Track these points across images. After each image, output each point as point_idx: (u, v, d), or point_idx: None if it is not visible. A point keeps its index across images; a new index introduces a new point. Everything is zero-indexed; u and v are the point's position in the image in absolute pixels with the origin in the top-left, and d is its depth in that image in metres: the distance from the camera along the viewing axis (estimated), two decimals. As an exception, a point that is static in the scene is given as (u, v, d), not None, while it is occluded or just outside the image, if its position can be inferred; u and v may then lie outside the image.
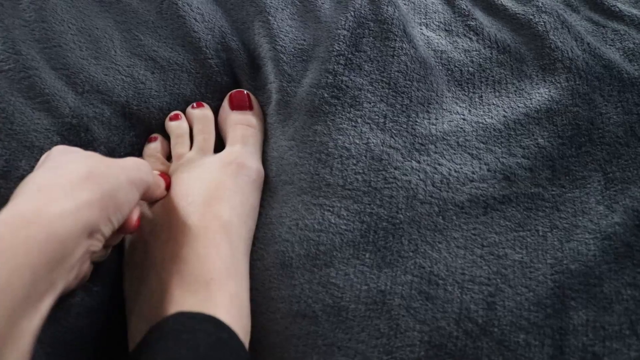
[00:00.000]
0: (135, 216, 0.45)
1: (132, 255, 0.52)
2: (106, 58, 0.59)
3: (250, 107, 0.60)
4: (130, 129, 0.58)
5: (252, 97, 0.61)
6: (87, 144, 0.55)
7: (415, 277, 0.48)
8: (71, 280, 0.39)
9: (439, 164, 0.53)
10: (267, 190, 0.56)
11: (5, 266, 0.32)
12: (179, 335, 0.40)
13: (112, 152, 0.56)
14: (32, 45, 0.57)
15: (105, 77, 0.58)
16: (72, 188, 0.38)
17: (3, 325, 0.32)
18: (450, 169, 0.53)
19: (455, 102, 0.58)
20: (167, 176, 0.55)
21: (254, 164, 0.56)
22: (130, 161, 0.44)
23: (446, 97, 0.59)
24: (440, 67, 0.61)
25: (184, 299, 0.45)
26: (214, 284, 0.46)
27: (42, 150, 0.51)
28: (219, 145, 0.59)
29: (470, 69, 0.61)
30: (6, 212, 0.36)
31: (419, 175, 0.53)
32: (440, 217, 0.51)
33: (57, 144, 0.53)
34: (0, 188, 0.49)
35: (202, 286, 0.45)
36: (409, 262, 0.49)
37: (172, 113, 0.60)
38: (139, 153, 0.59)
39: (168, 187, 0.54)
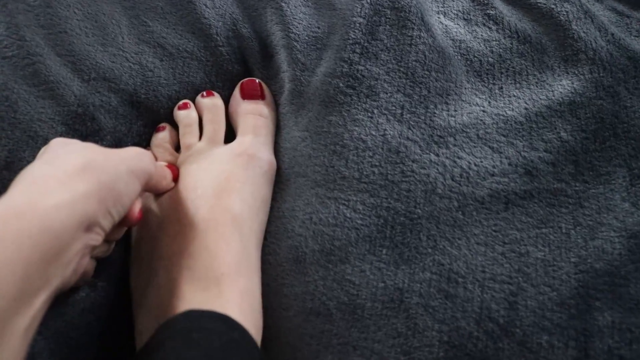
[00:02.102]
0: (137, 208, 0.43)
1: (139, 249, 0.50)
2: (113, 45, 0.57)
3: (262, 97, 0.58)
4: (137, 118, 0.56)
5: (264, 86, 0.59)
6: (93, 134, 0.53)
7: (434, 275, 0.46)
8: (68, 276, 0.37)
9: (459, 157, 0.52)
10: (280, 182, 0.54)
11: None
12: (189, 334, 0.39)
13: (119, 142, 0.55)
14: (37, 30, 0.55)
15: (112, 64, 0.56)
16: (68, 179, 0.37)
17: None
18: (470, 163, 0.51)
19: (475, 94, 0.56)
20: (174, 167, 0.53)
21: (266, 155, 0.54)
22: (131, 151, 0.43)
23: (465, 88, 0.57)
24: (459, 57, 0.59)
25: (194, 296, 0.43)
26: (225, 279, 0.44)
27: (46, 140, 0.49)
28: (229, 135, 0.57)
29: (490, 59, 0.59)
30: None
31: (437, 169, 0.51)
32: (460, 212, 0.49)
33: (61, 133, 0.52)
34: (3, 179, 0.48)
35: (213, 282, 0.44)
36: (428, 258, 0.47)
37: (181, 102, 0.58)
38: (146, 143, 0.57)
39: (175, 178, 0.52)
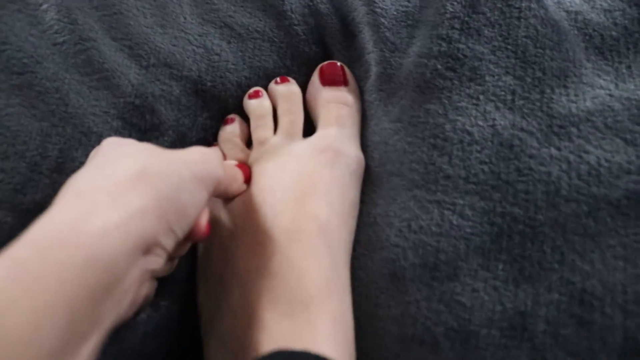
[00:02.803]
0: (204, 221, 0.37)
1: (207, 263, 0.44)
2: (174, 26, 0.52)
3: (345, 82, 0.51)
4: (203, 110, 0.51)
5: (346, 70, 0.52)
6: (152, 128, 0.48)
7: (563, 296, 0.39)
8: (124, 310, 0.31)
9: (585, 152, 0.44)
10: (369, 182, 0.48)
11: (32, 305, 0.25)
12: None
13: (183, 137, 0.50)
14: (90, 13, 0.51)
15: (174, 48, 0.51)
16: (120, 193, 0.30)
17: None
18: (599, 158, 0.43)
19: (598, 75, 0.48)
20: (246, 167, 0.47)
21: (353, 151, 0.47)
22: (195, 152, 0.36)
23: (586, 69, 0.48)
24: (576, 32, 0.51)
25: (278, 325, 0.37)
26: (314, 304, 0.37)
27: (100, 137, 0.46)
28: (307, 128, 0.51)
29: (613, 33, 0.51)
30: (36, 228, 0.28)
31: (560, 166, 0.43)
32: (591, 218, 0.42)
33: (117, 129, 0.47)
34: (54, 183, 0.43)
35: (300, 308, 0.37)
36: (554, 276, 0.40)
37: (252, 90, 0.51)
38: (213, 138, 0.52)
39: (248, 179, 0.46)
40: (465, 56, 0.48)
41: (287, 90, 0.51)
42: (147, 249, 0.31)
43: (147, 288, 0.37)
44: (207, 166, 0.36)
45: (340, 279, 0.41)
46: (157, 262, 0.33)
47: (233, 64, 0.51)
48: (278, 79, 0.52)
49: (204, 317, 0.42)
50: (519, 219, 0.42)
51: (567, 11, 0.52)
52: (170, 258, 0.38)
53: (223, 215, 0.45)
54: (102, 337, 0.29)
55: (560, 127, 0.45)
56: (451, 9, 0.50)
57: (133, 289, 0.31)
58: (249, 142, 0.51)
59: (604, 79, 0.48)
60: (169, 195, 0.32)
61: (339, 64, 0.52)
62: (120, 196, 0.30)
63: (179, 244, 0.36)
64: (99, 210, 0.29)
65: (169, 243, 0.33)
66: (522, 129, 0.45)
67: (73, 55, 0.48)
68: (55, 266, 0.26)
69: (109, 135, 0.45)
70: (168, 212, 0.32)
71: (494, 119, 0.45)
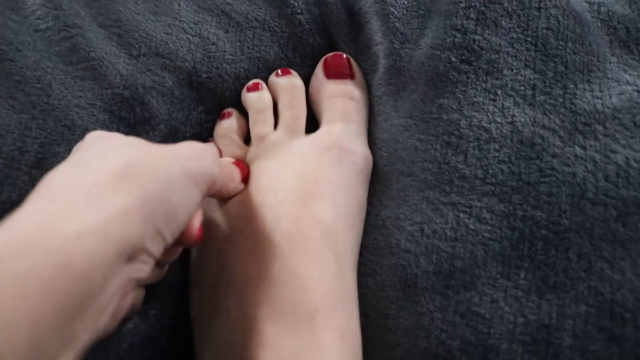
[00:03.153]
0: (196, 224, 0.33)
1: (201, 269, 0.40)
2: (168, 13, 0.49)
3: (351, 75, 0.47)
4: (197, 103, 0.47)
5: (352, 62, 0.49)
6: (142, 122, 0.45)
7: (592, 308, 0.36)
8: (104, 324, 0.28)
9: (612, 151, 0.40)
10: (377, 183, 0.45)
11: None
12: None
13: (175, 132, 0.46)
14: None
15: (167, 36, 0.48)
16: (99, 192, 0.27)
17: None
18: (627, 158, 0.40)
19: (623, 69, 0.45)
20: (244, 164, 0.44)
21: (361, 148, 0.44)
22: (187, 147, 0.33)
23: (610, 63, 0.45)
24: (599, 24, 0.48)
25: (280, 339, 0.33)
26: (320, 317, 0.34)
27: (85, 131, 0.42)
28: (309, 125, 0.48)
29: (639, 25, 0.47)
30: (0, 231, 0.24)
31: (586, 166, 0.40)
32: (620, 223, 0.38)
33: (104, 123, 0.44)
34: (33, 181, 0.40)
35: (303, 321, 0.34)
36: (581, 285, 0.37)
37: (251, 82, 0.48)
38: (208, 133, 0.48)
39: (246, 178, 0.43)
40: (482, 48, 0.44)
41: (289, 83, 0.47)
42: (131, 256, 0.27)
43: (133, 298, 0.33)
44: (200, 163, 0.32)
45: (347, 289, 0.38)
46: (143, 269, 0.29)
47: (231, 55, 0.48)
48: (279, 71, 0.48)
49: (197, 328, 0.39)
50: (541, 223, 0.39)
51: (589, 2, 0.49)
52: (159, 264, 0.35)
53: (218, 217, 0.41)
54: (78, 357, 0.25)
55: (585, 124, 0.41)
56: (465, -2, 0.46)
57: (114, 301, 0.27)
58: (247, 139, 0.48)
59: (630, 74, 0.45)
60: (156, 194, 0.28)
61: (344, 55, 0.49)
62: (100, 196, 0.27)
63: (169, 249, 0.32)
64: (75, 211, 0.25)
65: (157, 248, 0.29)
66: (543, 127, 0.41)
67: (57, 42, 0.45)
68: (16, 278, 0.22)
69: (95, 129, 0.42)
70: (156, 213, 0.28)
71: (513, 115, 0.42)
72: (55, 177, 0.28)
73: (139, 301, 0.36)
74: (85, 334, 0.25)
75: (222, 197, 0.42)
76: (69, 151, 0.39)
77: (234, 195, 0.42)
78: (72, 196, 0.26)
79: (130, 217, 0.26)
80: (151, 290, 0.39)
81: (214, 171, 0.34)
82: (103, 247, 0.25)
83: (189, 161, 0.31)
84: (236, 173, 0.41)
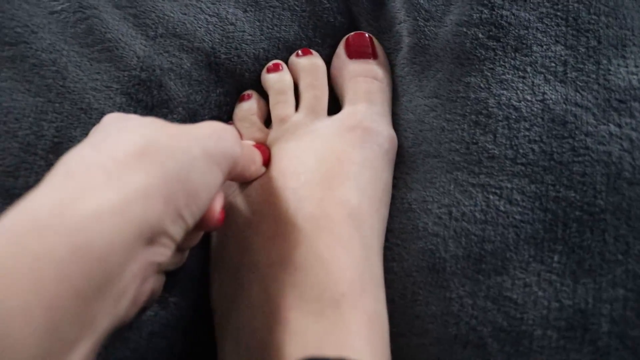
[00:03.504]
0: (218, 206, 0.32)
1: (222, 255, 0.39)
2: None
3: (374, 55, 0.46)
4: (216, 85, 0.46)
5: (375, 41, 0.47)
6: (160, 105, 0.44)
7: (630, 292, 0.35)
8: (124, 310, 0.27)
9: (649, 129, 0.39)
10: (402, 165, 0.43)
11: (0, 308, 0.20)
12: None
13: (194, 115, 0.45)
14: None
15: (184, 17, 0.46)
16: (118, 171, 0.26)
17: None
18: (665, 135, 0.39)
19: (659, 44, 0.43)
20: (265, 147, 0.43)
21: (385, 129, 0.42)
22: (208, 127, 0.32)
23: (645, 37, 0.43)
24: (633, -3, 0.45)
25: (305, 325, 0.32)
26: (346, 302, 0.33)
27: (102, 115, 0.40)
28: (332, 107, 0.46)
29: (674, -2, 0.45)
30: (11, 214, 0.23)
31: (621, 145, 0.38)
32: (659, 204, 0.37)
33: (121, 105, 0.43)
34: (50, 166, 0.38)
35: (329, 306, 0.32)
36: (618, 268, 0.35)
37: (271, 63, 0.47)
38: (228, 116, 0.47)
39: (267, 161, 0.42)
40: (510, 24, 0.43)
41: (310, 63, 0.46)
42: (151, 238, 0.26)
43: (153, 284, 0.32)
44: (221, 142, 0.31)
45: (374, 273, 0.37)
46: (163, 253, 0.28)
47: (250, 35, 0.47)
48: (299, 52, 0.47)
49: (218, 315, 0.38)
50: (575, 204, 0.37)
51: (621, -25, 0.47)
52: (180, 249, 0.34)
53: (239, 201, 0.40)
54: (96, 344, 0.24)
55: (620, 101, 0.40)
56: (492, -28, 0.45)
57: (134, 286, 0.26)
58: (267, 121, 0.47)
59: (666, 49, 0.43)
60: (177, 174, 0.27)
61: (367, 34, 0.47)
62: (119, 174, 0.25)
63: (189, 233, 0.31)
64: (91, 191, 0.24)
65: (178, 231, 0.28)
66: (576, 104, 0.40)
67: (72, 24, 0.44)
68: (31, 259, 0.21)
69: (112, 112, 0.41)
70: (176, 194, 0.27)
71: (543, 93, 0.40)
72: (72, 157, 0.27)
73: (159, 288, 0.35)
74: (104, 319, 0.24)
75: (243, 181, 0.41)
76: (85, 135, 0.38)
77: (255, 179, 0.41)
78: (89, 175, 0.25)
79: (150, 197, 0.25)
80: (171, 277, 0.38)
81: (236, 152, 0.32)
82: (121, 228, 0.24)
83: (209, 141, 0.30)
84: (257, 156, 0.40)
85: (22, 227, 0.22)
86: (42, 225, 0.22)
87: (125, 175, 0.26)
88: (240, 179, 0.40)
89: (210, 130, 0.31)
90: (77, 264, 0.22)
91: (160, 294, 0.36)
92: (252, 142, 0.43)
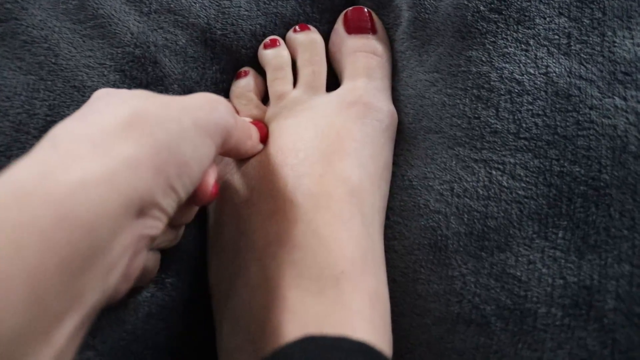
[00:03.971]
0: (211, 179, 0.32)
1: (219, 234, 0.39)
2: None
3: (372, 30, 0.45)
4: (212, 61, 0.45)
5: (374, 16, 0.46)
6: (155, 82, 0.43)
7: (636, 268, 0.34)
8: (114, 284, 0.26)
9: (656, 102, 0.38)
10: (402, 141, 0.43)
11: None
12: None
13: (190, 92, 0.44)
14: None
15: None
16: (105, 140, 0.25)
17: None
18: (671, 109, 0.38)
19: (666, 15, 0.42)
20: (262, 124, 0.42)
21: (385, 105, 0.42)
22: (199, 98, 0.31)
23: (651, 8, 0.42)
24: (638, -32, 0.44)
25: (304, 304, 0.31)
26: (347, 280, 0.32)
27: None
28: (330, 83, 0.45)
29: (681, -32, 0.44)
30: None
31: (627, 118, 0.37)
32: (666, 178, 0.36)
33: (115, 82, 0.42)
34: None
35: (329, 284, 0.32)
36: (624, 244, 0.35)
37: (268, 39, 0.46)
38: (225, 93, 0.46)
39: (264, 138, 0.41)
40: (512, -5, 0.42)
41: (308, 39, 0.45)
42: (141, 210, 0.26)
43: (148, 260, 0.31)
44: (213, 113, 0.30)
45: (375, 251, 0.36)
46: (155, 226, 0.27)
47: (246, 10, 0.46)
48: (297, 27, 0.46)
49: (216, 296, 0.37)
50: (580, 179, 0.36)
51: (626, -55, 0.46)
52: (173, 225, 0.33)
53: (236, 180, 0.39)
54: (86, 319, 0.23)
55: (625, 74, 0.39)
56: (494, -57, 0.44)
57: (124, 260, 0.26)
58: (264, 98, 0.46)
59: (672, 20, 0.42)
60: (167, 144, 0.27)
61: (365, 9, 0.46)
62: (106, 144, 0.25)
63: (182, 207, 0.30)
64: (76, 160, 0.24)
65: (170, 204, 0.27)
66: (580, 77, 0.39)
67: (64, 0, 0.43)
68: (12, 228, 0.21)
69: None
70: (167, 165, 0.26)
71: (547, 66, 0.40)
72: (58, 130, 0.26)
73: (155, 267, 0.34)
74: (93, 293, 0.23)
75: (239, 157, 0.40)
76: (78, 113, 0.38)
77: (253, 157, 0.40)
78: (76, 145, 0.24)
79: (139, 167, 0.25)
80: (167, 257, 0.37)
81: (229, 123, 0.32)
82: (109, 197, 0.23)
83: (201, 111, 0.29)
84: (254, 131, 0.39)
85: (3, 196, 0.22)
86: (24, 194, 0.22)
87: (112, 145, 0.25)
88: (236, 155, 0.39)
89: (202, 101, 0.30)
90: (61, 234, 0.21)
91: (156, 274, 0.35)
92: (249, 119, 0.42)
